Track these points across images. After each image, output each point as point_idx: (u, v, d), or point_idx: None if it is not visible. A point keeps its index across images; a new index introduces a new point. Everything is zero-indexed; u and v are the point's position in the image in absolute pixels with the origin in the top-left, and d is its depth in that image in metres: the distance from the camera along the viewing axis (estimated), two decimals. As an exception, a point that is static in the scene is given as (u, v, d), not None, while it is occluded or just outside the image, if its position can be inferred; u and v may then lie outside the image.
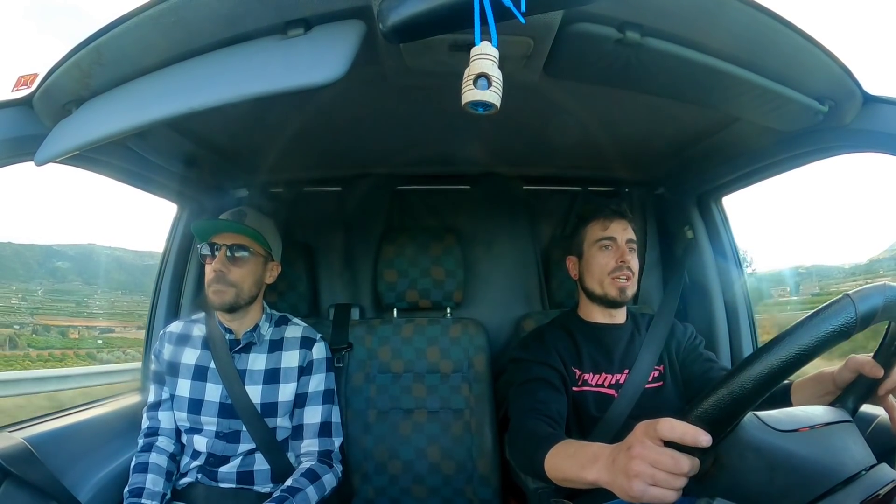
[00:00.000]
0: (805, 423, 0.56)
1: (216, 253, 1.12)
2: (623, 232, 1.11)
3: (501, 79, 0.52)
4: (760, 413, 0.57)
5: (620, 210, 1.13)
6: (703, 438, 0.51)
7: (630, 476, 0.55)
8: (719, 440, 0.54)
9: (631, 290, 1.10)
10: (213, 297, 1.11)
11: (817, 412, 0.60)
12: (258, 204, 1.55)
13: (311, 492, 1.05)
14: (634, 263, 1.11)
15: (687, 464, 0.53)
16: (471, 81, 0.51)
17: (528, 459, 0.85)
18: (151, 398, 1.19)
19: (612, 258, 1.10)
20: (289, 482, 1.06)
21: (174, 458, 1.15)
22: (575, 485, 0.73)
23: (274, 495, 1.02)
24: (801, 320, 0.53)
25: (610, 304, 1.11)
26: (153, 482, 1.08)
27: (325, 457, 1.15)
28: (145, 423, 1.17)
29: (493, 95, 0.51)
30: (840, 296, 0.54)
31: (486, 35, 0.53)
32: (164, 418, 1.17)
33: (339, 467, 1.16)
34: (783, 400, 0.84)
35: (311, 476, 1.08)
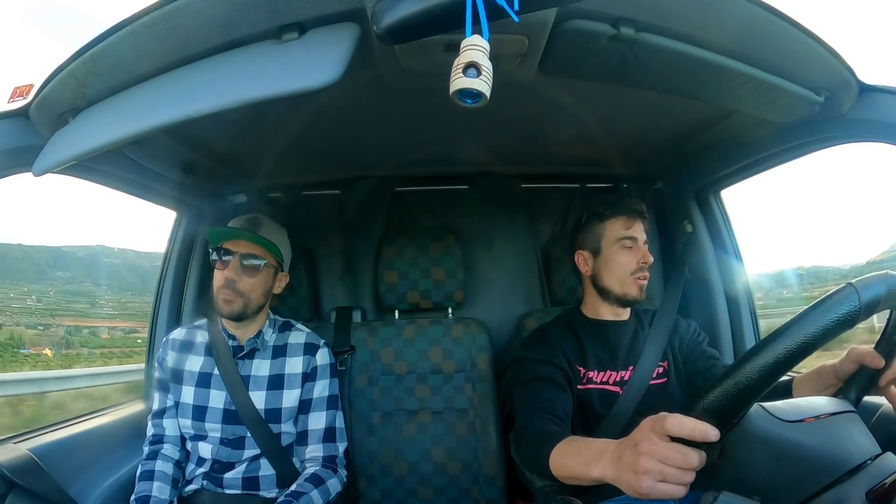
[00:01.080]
0: (810, 413, 0.57)
1: (226, 259, 1.11)
2: (642, 233, 1.12)
3: (491, 70, 0.51)
4: (765, 404, 0.57)
5: (642, 211, 1.13)
6: (712, 433, 0.51)
7: (638, 473, 0.55)
8: (726, 432, 0.53)
9: (645, 289, 1.11)
10: (221, 305, 1.10)
11: (821, 402, 0.60)
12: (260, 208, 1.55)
13: (316, 496, 1.05)
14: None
15: (696, 458, 0.52)
16: (460, 70, 0.50)
17: (533, 458, 0.85)
18: (156, 406, 1.19)
19: (634, 258, 1.10)
20: (293, 487, 1.06)
21: (179, 465, 1.15)
22: (580, 482, 0.72)
23: (278, 500, 1.02)
24: (805, 309, 0.53)
25: (627, 303, 1.12)
26: (159, 490, 1.08)
27: (329, 462, 1.15)
28: (150, 431, 1.17)
29: (482, 84, 0.50)
30: (843, 284, 0.54)
31: (478, 33, 0.52)
32: (169, 426, 1.17)
33: (343, 472, 1.16)
34: (785, 395, 0.84)
35: (316, 480, 1.08)
